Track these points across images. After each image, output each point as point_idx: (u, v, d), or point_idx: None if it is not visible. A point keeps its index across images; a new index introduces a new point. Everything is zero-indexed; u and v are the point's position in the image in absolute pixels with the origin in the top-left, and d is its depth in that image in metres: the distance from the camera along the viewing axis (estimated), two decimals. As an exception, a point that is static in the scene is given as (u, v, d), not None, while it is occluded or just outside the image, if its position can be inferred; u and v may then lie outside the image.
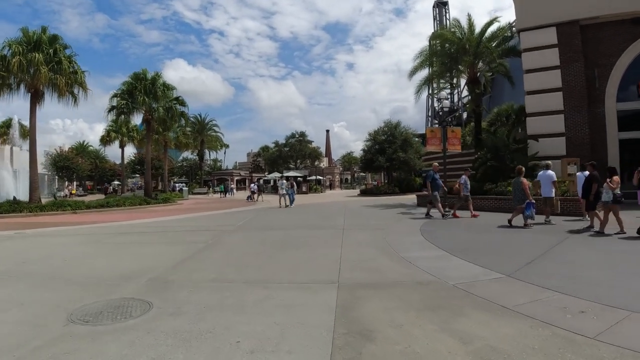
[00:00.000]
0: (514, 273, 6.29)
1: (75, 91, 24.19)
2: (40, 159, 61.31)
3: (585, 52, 20.36)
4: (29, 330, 4.35)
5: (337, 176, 78.41)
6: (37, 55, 21.29)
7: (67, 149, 68.55)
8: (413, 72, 26.31)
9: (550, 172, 13.25)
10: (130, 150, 66.61)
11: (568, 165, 18.67)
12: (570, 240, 9.56)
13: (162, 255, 8.93)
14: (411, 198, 30.83)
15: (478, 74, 25.25)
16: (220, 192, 47.78)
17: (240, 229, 13.11)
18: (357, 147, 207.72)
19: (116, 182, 78.57)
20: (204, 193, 57.37)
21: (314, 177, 58.46)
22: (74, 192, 58.26)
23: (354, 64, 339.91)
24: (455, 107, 68.69)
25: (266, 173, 69.88)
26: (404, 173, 43.55)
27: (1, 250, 10.11)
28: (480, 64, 24.90)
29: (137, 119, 30.62)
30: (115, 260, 8.38)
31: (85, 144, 75.22)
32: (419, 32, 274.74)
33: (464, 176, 15.73)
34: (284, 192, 24.32)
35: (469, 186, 15.75)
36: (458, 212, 15.44)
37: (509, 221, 12.10)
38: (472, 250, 8.36)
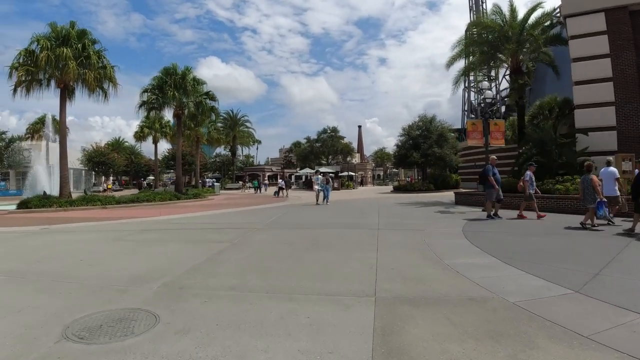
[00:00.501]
0: (583, 288, 5.26)
1: (105, 86, 24.12)
2: (77, 154, 63.58)
3: (636, 40, 18.73)
4: (14, 346, 3.72)
5: (369, 172, 77.19)
6: (65, 50, 21.23)
7: (103, 145, 70.01)
8: (450, 63, 24.98)
9: (612, 168, 11.93)
10: (164, 146, 67.68)
11: (623, 161, 17.12)
12: (635, 245, 8.37)
13: (182, 255, 8.29)
14: (447, 195, 29.56)
15: (521, 63, 23.74)
16: (254, 187, 47.65)
17: (268, 227, 12.40)
18: (389, 143, 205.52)
19: (151, 177, 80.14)
20: (237, 188, 57.40)
21: (345, 173, 57.46)
22: (110, 186, 59.48)
23: (386, 59, 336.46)
24: (493, 101, 66.36)
25: (298, 169, 69.41)
26: (439, 169, 42.10)
27: (20, 248, 9.74)
28: (523, 52, 23.38)
29: (168, 115, 30.39)
30: (132, 260, 7.80)
31: (121, 140, 76.58)
32: (453, 25, 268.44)
33: (528, 172, 14.09)
34: (319, 187, 22.96)
35: (534, 183, 14.21)
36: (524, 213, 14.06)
37: (582, 224, 11.03)
38: (526, 257, 7.31)
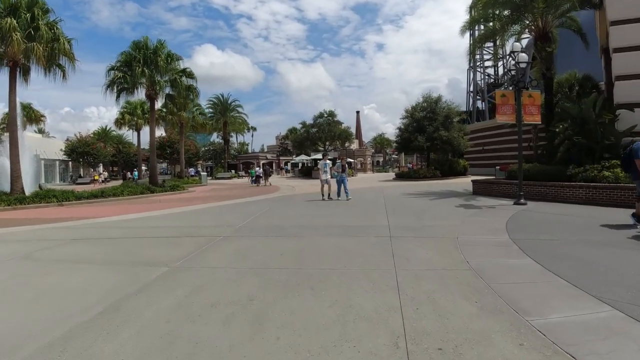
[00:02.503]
0: None
1: (63, 63, 20.70)
2: (61, 145, 60.16)
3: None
4: None
5: (369, 159, 73.76)
6: (9, 20, 17.78)
7: (89, 135, 66.47)
8: (466, 28, 21.53)
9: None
10: (156, 134, 63.71)
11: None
12: None
13: (85, 293, 5.09)
14: (459, 183, 26.30)
15: (548, 28, 20.26)
16: (251, 177, 39.55)
17: (239, 234, 9.10)
18: (388, 129, 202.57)
19: (144, 167, 76.78)
20: (228, 178, 54.12)
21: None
22: (97, 177, 56.19)
23: (383, 45, 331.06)
24: (499, 81, 62.66)
25: (294, 156, 65.96)
26: (446, 154, 38.73)
27: None
28: (552, 14, 19.88)
29: (141, 96, 26.50)
30: (8, 304, 4.56)
31: (108, 129, 72.89)
32: (450, 8, 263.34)
33: None
34: (327, 176, 17.06)
35: None
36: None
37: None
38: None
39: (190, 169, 57.22)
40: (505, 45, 27.64)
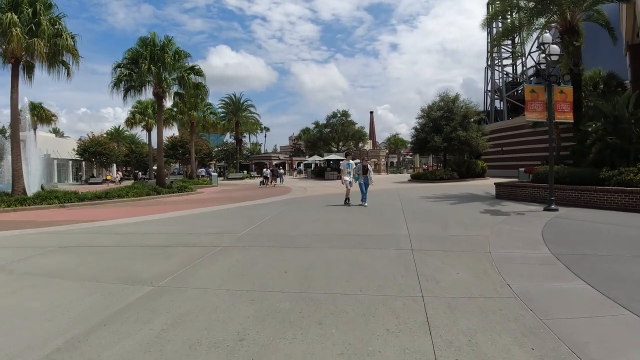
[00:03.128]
0: None
1: (67, 60, 20.03)
2: (73, 145, 60.02)
3: None
4: None
5: (383, 159, 72.43)
6: (10, 15, 17.12)
7: (103, 135, 66.31)
8: (485, 24, 20.32)
9: None
10: (167, 133, 63.26)
11: None
12: None
13: (44, 321, 4.21)
14: (478, 185, 25.06)
15: (575, 21, 19.00)
16: (265, 178, 37.95)
17: (240, 245, 8.11)
18: (401, 129, 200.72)
19: (155, 168, 76.46)
20: (240, 178, 53.34)
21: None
22: (109, 177, 55.89)
23: (397, 45, 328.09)
24: (517, 80, 60.85)
25: (307, 156, 64.99)
26: (463, 155, 37.40)
27: None
28: (580, 7, 18.60)
29: (149, 95, 25.55)
30: None
31: (121, 129, 72.72)
32: (466, 8, 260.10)
33: None
34: (350, 179, 15.23)
35: None
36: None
37: None
38: None
39: (201, 170, 56.53)
40: (525, 42, 26.37)
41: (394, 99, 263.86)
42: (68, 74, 20.39)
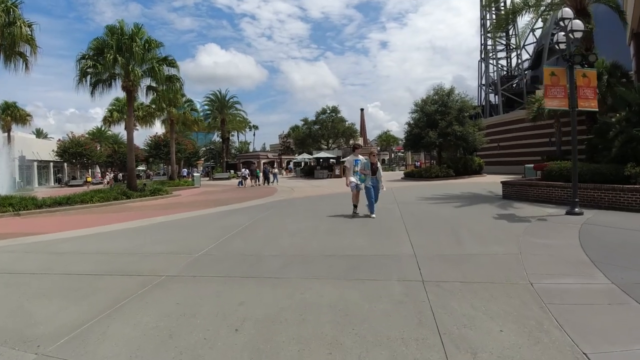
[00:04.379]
0: None
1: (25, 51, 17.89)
2: (53, 146, 57.43)
3: None
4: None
5: (375, 157, 70.63)
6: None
7: (84, 135, 63.80)
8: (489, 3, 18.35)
9: None
10: (149, 132, 60.70)
11: None
12: None
13: None
14: (476, 183, 23.28)
15: (586, 3, 17.23)
16: (256, 177, 34.87)
17: (191, 271, 6.11)
18: (392, 127, 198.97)
19: (141, 168, 73.88)
20: (226, 178, 51.19)
21: (361, 158, 50.86)
22: (89, 179, 53.46)
23: (387, 43, 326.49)
24: (512, 73, 59.18)
25: (296, 155, 62.89)
26: (459, 151, 35.58)
27: None
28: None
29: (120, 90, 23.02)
30: None
31: (103, 129, 70.01)
32: (454, 6, 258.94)
33: None
34: (356, 180, 11.34)
35: None
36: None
37: None
38: None
39: (183, 170, 54.32)
40: (523, 34, 24.74)
41: (385, 96, 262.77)
42: (26, 66, 18.28)
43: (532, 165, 20.92)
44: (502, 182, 15.85)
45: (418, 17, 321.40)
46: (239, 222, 10.91)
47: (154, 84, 23.10)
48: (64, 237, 9.94)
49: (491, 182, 24.23)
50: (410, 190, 19.76)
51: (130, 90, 21.81)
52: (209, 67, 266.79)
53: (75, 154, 54.07)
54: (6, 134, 43.86)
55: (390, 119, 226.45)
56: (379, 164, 11.54)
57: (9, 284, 5.86)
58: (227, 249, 7.61)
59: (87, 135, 64.36)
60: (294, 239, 8.32)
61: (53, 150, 54.72)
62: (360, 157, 11.73)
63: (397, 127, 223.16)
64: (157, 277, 5.77)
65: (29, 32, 17.66)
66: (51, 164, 59.70)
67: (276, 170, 39.76)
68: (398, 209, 12.50)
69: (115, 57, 19.90)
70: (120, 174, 50.07)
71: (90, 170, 61.99)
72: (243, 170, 34.93)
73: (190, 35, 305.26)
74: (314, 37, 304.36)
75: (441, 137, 30.99)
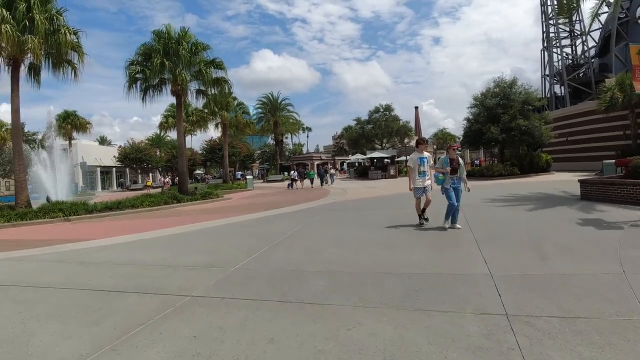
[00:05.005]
0: None
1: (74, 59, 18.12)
2: (114, 152, 59.81)
3: None
4: None
5: (431, 156, 68.15)
6: (1, 11, 15.32)
7: (144, 141, 66.09)
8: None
9: None
10: (203, 136, 61.79)
11: None
12: None
13: None
14: (545, 182, 21.29)
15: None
16: (311, 179, 35.28)
17: (218, 293, 5.17)
18: (448, 124, 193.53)
19: (199, 172, 75.65)
20: (279, 180, 51.06)
21: (403, 158, 49.08)
22: (149, 183, 55.17)
23: (440, 38, 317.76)
24: (578, 61, 54.90)
25: (349, 155, 61.81)
26: (522, 147, 33.14)
27: None
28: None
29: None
30: None
31: (162, 135, 72.18)
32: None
33: None
34: (427, 182, 9.45)
35: None
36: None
37: None
38: None
39: (238, 173, 54.80)
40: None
41: (439, 93, 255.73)
42: (75, 74, 18.47)
43: (613, 161, 18.68)
44: (579, 180, 13.99)
45: (472, 9, 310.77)
46: (284, 229, 10.01)
47: (202, 88, 22.81)
48: (102, 244, 9.51)
49: (562, 180, 22.04)
50: (473, 191, 18.08)
51: (179, 94, 21.67)
52: (263, 72, 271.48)
53: (135, 159, 55.86)
54: (67, 142, 45.87)
55: (446, 116, 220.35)
56: (460, 160, 9.26)
57: (20, 300, 5.26)
58: (266, 261, 6.69)
59: (146, 141, 66.52)
60: (342, 251, 7.24)
61: (114, 156, 56.87)
62: (426, 153, 9.60)
63: (453, 124, 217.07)
64: (181, 298, 4.95)
65: (75, 40, 17.77)
66: (113, 169, 62.32)
67: (333, 171, 37.85)
68: (462, 213, 11.13)
69: (162, 61, 19.79)
70: (177, 178, 51.01)
71: (150, 174, 63.98)
72: (292, 172, 34.36)
73: (244, 43, 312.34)
74: (365, 37, 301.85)
75: (504, 133, 28.87)
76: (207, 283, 5.61)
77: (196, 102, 27.62)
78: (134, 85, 21.22)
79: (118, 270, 6.76)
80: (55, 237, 11.50)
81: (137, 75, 20.98)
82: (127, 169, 62.80)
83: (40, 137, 46.31)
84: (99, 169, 59.56)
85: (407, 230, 9.08)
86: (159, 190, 33.00)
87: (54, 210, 16.06)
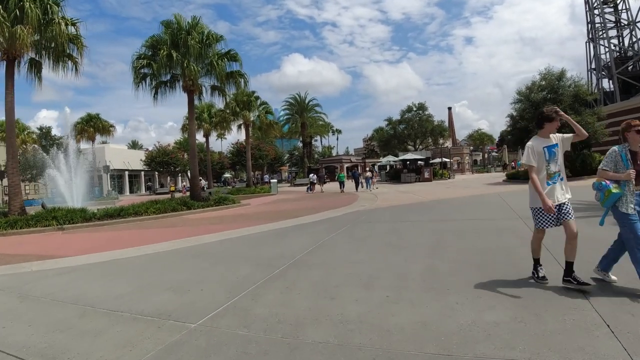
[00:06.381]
0: None
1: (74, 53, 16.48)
2: (141, 155, 59.22)
3: None
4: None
5: (467, 157, 64.74)
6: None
7: (172, 144, 65.32)
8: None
9: None
10: (230, 139, 60.51)
11: None
12: None
13: None
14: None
15: None
16: (340, 182, 31.29)
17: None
18: (481, 125, 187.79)
19: (227, 175, 74.56)
20: (307, 184, 48.89)
21: (438, 160, 46.10)
22: (172, 188, 54.07)
23: (472, 38, 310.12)
24: (626, 53, 50.40)
25: (380, 157, 59.12)
26: (579, 146, 29.80)
27: None
28: None
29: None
30: None
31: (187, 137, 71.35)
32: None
33: None
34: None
35: None
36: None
37: None
38: None
39: (266, 176, 53.10)
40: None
41: (472, 94, 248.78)
42: (76, 69, 16.83)
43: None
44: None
45: (504, 8, 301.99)
46: (293, 250, 7.71)
47: (217, 84, 20.66)
48: (70, 265, 7.76)
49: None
50: (524, 198, 15.39)
51: (191, 90, 19.51)
52: (293, 76, 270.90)
53: (161, 163, 54.99)
54: (91, 145, 45.21)
55: (479, 117, 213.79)
56: None
57: None
58: (249, 312, 4.40)
59: (174, 145, 65.69)
60: (368, 296, 4.78)
61: (141, 160, 56.23)
62: (555, 136, 4.84)
63: (487, 125, 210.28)
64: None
65: (74, 31, 16.16)
66: (142, 173, 61.73)
67: (369, 174, 32.28)
68: (527, 227, 8.63)
69: (169, 53, 17.69)
70: (202, 181, 49.54)
71: (180, 178, 63.20)
72: (311, 175, 32.17)
73: (275, 48, 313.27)
74: (396, 38, 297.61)
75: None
76: (146, 353, 3.42)
77: (218, 102, 25.68)
78: (143, 81, 19.34)
79: (53, 314, 4.78)
80: (30, 251, 9.91)
81: (145, 71, 19.07)
82: (156, 173, 62.13)
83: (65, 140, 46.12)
84: (127, 173, 59.07)
85: (462, 259, 6.64)
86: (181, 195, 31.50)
87: (48, 218, 14.43)
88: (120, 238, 11.45)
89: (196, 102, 22.50)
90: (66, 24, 15.55)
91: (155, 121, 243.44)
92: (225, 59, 19.70)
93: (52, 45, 15.87)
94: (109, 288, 5.79)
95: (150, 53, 19.04)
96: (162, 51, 17.70)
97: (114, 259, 8.13)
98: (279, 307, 4.50)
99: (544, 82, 28.55)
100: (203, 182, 44.28)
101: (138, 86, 19.27)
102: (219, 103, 26.25)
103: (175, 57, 17.74)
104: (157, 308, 4.72)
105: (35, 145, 39.99)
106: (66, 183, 22.06)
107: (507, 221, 9.88)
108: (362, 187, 29.73)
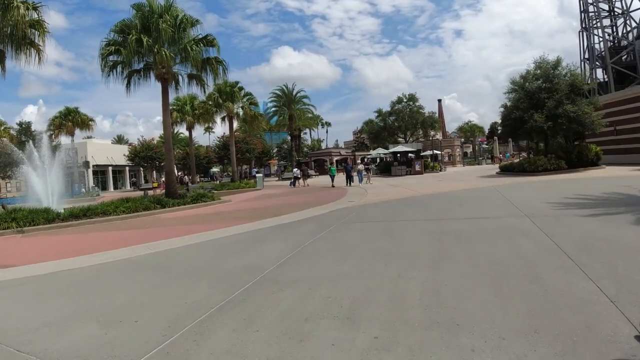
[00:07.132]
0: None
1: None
2: (125, 150, 57.50)
3: None
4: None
5: (457, 149, 63.79)
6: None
7: (157, 138, 63.55)
8: None
9: None
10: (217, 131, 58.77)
11: None
12: None
13: None
14: (607, 179, 17.44)
15: None
16: (332, 176, 29.43)
17: None
18: (471, 118, 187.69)
19: (214, 170, 72.84)
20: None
21: (429, 152, 45.04)
22: (155, 184, 52.44)
23: (462, 31, 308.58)
24: (619, 43, 49.58)
25: (370, 150, 57.94)
26: (567, 137, 28.93)
27: None
28: None
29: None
30: None
31: (176, 132, 69.54)
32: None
33: None
34: None
35: None
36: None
37: None
38: None
39: (254, 170, 51.81)
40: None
41: (462, 87, 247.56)
42: (39, 57, 15.42)
43: None
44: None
45: (493, 1, 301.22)
46: (264, 260, 6.50)
47: (193, 72, 19.15)
48: (4, 279, 6.51)
49: (622, 176, 18.03)
50: (523, 191, 14.34)
51: (164, 78, 18.02)
52: (283, 69, 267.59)
53: (145, 158, 53.34)
54: (71, 140, 43.58)
55: (469, 110, 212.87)
56: None
57: None
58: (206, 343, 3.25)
59: (158, 139, 63.87)
60: (348, 335, 3.63)
61: (125, 155, 54.49)
62: None
63: (477, 118, 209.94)
64: None
65: (36, 16, 14.77)
66: (127, 168, 59.95)
67: (361, 167, 31.05)
68: (537, 228, 7.54)
69: (139, 37, 16.11)
70: (186, 177, 47.79)
71: (156, 174, 61.47)
72: (295, 169, 31.16)
73: (264, 41, 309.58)
74: (385, 31, 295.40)
75: (550, 120, 24.72)
76: None
77: (197, 92, 24.19)
78: (113, 70, 17.81)
79: None
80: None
81: (114, 58, 17.48)
82: (141, 168, 60.36)
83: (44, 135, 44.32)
84: (110, 168, 57.28)
85: (455, 262, 5.52)
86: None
87: (7, 220, 13.10)
88: (80, 242, 10.23)
89: (174, 93, 21.13)
90: (27, 8, 14.12)
91: (143, 115, 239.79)
92: (202, 44, 18.13)
93: (11, 31, 14.45)
94: (33, 315, 4.60)
95: (120, 39, 17.43)
96: (131, 36, 16.20)
97: (62, 269, 6.97)
98: (226, 355, 3.31)
99: (539, 71, 27.50)
100: (187, 178, 42.78)
101: (108, 75, 17.73)
102: (199, 93, 24.55)
103: (145, 42, 16.18)
104: (70, 351, 3.52)
105: (5, 139, 38.05)
106: (40, 180, 20.62)
107: (512, 219, 8.79)
108: (354, 182, 27.69)
